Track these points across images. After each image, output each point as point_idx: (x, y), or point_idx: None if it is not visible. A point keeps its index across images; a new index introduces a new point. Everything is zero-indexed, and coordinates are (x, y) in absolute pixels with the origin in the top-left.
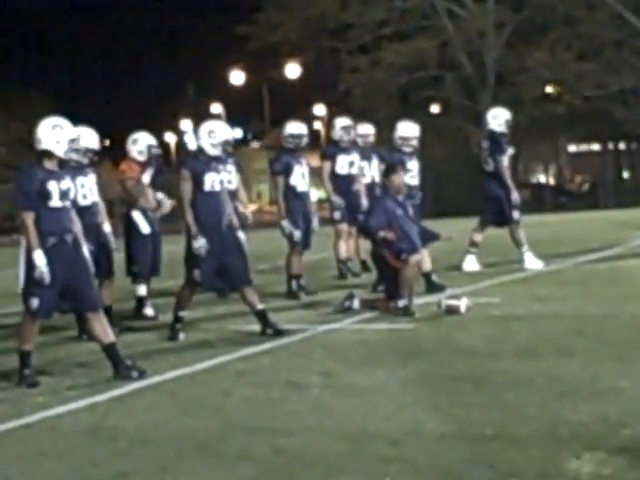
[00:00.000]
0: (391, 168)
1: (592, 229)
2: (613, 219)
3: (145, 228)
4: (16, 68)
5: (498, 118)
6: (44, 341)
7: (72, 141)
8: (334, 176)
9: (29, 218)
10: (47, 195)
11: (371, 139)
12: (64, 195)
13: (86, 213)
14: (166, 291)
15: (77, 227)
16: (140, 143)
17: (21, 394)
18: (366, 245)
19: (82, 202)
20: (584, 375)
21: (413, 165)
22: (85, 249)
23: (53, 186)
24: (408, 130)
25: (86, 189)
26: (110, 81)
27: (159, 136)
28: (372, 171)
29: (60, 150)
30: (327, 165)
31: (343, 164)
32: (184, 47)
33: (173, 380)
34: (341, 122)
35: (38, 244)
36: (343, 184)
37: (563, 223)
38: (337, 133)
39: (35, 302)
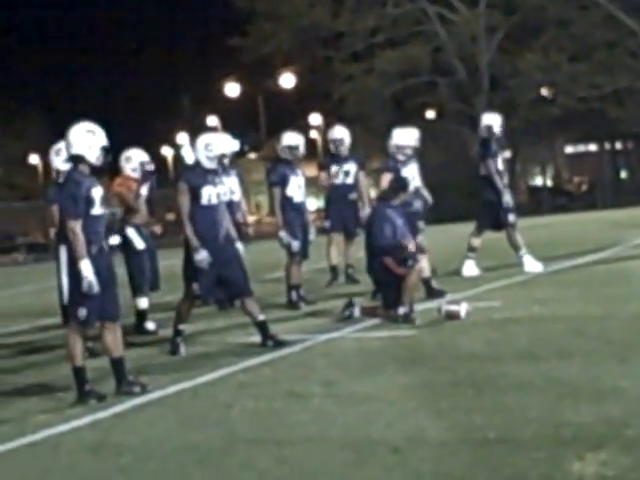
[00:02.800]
0: (400, 183)
1: (590, 230)
2: (611, 219)
3: (140, 244)
4: (13, 86)
5: (481, 124)
6: (43, 359)
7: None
8: (331, 186)
9: (78, 226)
10: (92, 202)
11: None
12: (102, 202)
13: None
14: (166, 305)
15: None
16: (134, 160)
17: (23, 413)
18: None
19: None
20: (585, 376)
21: (408, 172)
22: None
23: (96, 193)
24: (403, 138)
25: None
26: (105, 96)
27: (156, 150)
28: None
29: (92, 156)
30: (323, 175)
31: (339, 174)
32: (178, 61)
33: (175, 394)
34: (335, 133)
35: (86, 253)
36: (338, 193)
37: (561, 224)
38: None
39: (83, 312)
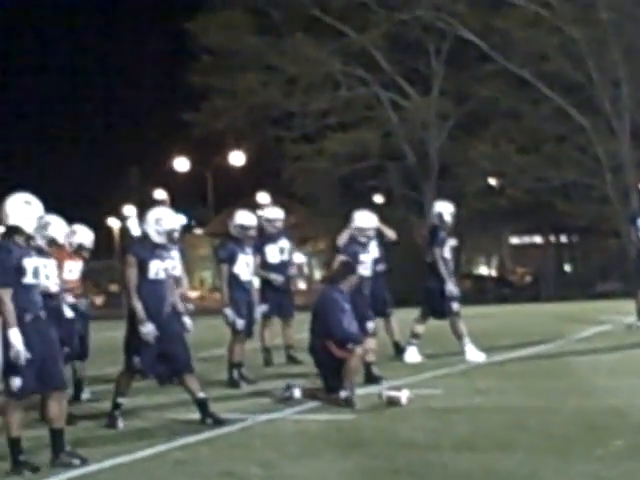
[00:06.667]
0: (349, 267)
1: (534, 322)
2: (555, 312)
3: (68, 312)
4: None
5: (433, 211)
6: None
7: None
8: (267, 266)
9: (7, 295)
10: (23, 271)
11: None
12: (36, 273)
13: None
14: (106, 377)
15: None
16: (76, 235)
17: None
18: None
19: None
20: (524, 469)
21: (366, 257)
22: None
23: (28, 263)
24: (365, 221)
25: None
26: (52, 164)
27: (101, 221)
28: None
29: (29, 226)
30: (257, 259)
31: (274, 253)
32: (128, 133)
33: (111, 469)
34: (268, 213)
35: (15, 322)
36: (276, 273)
37: (505, 315)
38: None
39: (17, 382)
